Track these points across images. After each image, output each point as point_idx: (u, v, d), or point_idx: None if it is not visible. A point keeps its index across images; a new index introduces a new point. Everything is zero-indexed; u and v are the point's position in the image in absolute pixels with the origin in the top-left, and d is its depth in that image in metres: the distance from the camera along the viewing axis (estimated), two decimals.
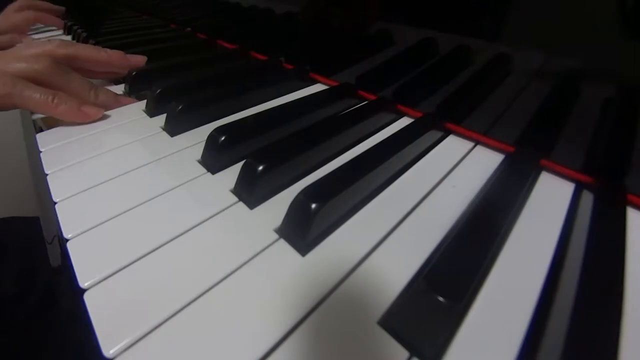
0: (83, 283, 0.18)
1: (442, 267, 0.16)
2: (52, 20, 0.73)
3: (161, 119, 0.33)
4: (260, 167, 0.23)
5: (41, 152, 0.29)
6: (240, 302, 0.17)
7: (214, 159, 0.26)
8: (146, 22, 0.74)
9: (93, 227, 0.21)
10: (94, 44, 0.54)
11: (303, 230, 0.19)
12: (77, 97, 0.33)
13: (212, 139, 0.27)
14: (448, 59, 0.30)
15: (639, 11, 0.19)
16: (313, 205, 0.19)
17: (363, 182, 0.22)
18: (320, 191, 0.20)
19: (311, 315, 0.16)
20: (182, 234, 0.20)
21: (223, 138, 0.26)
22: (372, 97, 0.37)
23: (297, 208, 0.20)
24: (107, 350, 0.15)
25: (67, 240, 0.20)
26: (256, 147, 0.28)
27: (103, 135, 0.31)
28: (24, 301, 0.39)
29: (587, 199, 0.23)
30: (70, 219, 0.21)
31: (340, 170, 0.23)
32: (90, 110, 0.33)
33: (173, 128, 0.31)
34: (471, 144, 0.30)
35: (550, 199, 0.24)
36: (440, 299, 0.15)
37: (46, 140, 0.30)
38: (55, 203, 0.23)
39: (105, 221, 0.21)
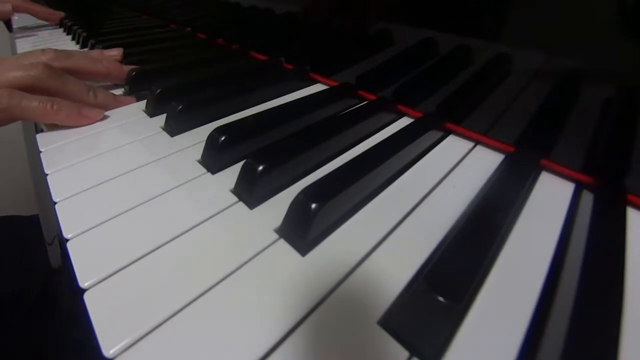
0: (83, 283, 0.18)
1: (442, 267, 0.16)
2: (44, 13, 0.70)
3: (161, 119, 0.33)
4: (260, 167, 0.23)
5: (41, 152, 0.29)
6: (240, 302, 0.17)
7: (214, 159, 0.26)
8: (146, 22, 0.74)
9: (93, 227, 0.21)
10: (94, 44, 0.54)
11: (303, 230, 0.19)
12: (75, 100, 0.33)
13: (212, 139, 0.27)
14: (448, 59, 0.30)
15: (639, 11, 0.19)
16: (313, 205, 0.19)
17: (363, 182, 0.22)
18: (320, 191, 0.20)
19: (311, 315, 0.16)
20: (182, 234, 0.20)
21: (223, 138, 0.26)
22: (372, 97, 0.37)
23: (297, 208, 0.20)
24: (107, 350, 0.15)
25: (67, 240, 0.20)
26: (256, 147, 0.28)
27: (103, 135, 0.31)
28: (24, 301, 0.39)
29: (587, 199, 0.23)
30: (70, 219, 0.21)
31: (340, 170, 0.23)
32: (90, 112, 0.33)
33: (173, 128, 0.31)
34: (471, 144, 0.30)
35: (550, 199, 0.24)
36: (440, 299, 0.15)
37: (46, 140, 0.30)
38: (55, 203, 0.23)
39: (106, 221, 0.21)
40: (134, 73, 0.40)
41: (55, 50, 0.36)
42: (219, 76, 0.41)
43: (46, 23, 0.76)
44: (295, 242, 0.20)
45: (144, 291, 0.17)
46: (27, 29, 0.72)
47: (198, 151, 0.28)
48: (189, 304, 0.17)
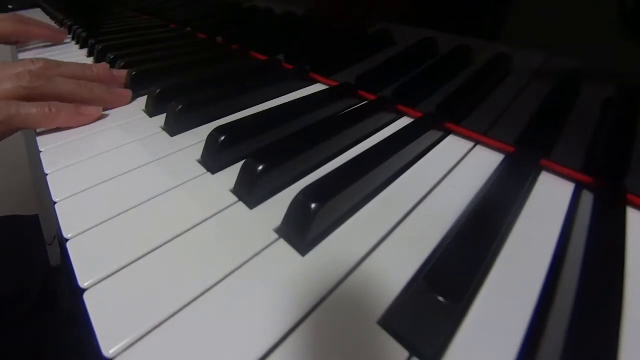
0: (83, 283, 0.18)
1: (442, 267, 0.16)
2: (44, 34, 0.62)
3: (161, 119, 0.33)
4: (260, 167, 0.23)
5: (41, 152, 0.29)
6: (240, 302, 0.17)
7: (213, 158, 0.26)
8: (146, 22, 0.74)
9: (93, 227, 0.21)
10: (94, 44, 0.54)
11: (303, 230, 0.19)
12: (72, 100, 0.32)
13: (212, 138, 0.27)
14: (448, 59, 0.30)
15: (639, 11, 0.19)
16: (313, 205, 0.19)
17: (363, 182, 0.22)
18: (320, 191, 0.20)
19: (311, 315, 0.16)
20: (182, 234, 0.20)
21: (223, 138, 0.26)
22: (372, 97, 0.37)
23: (297, 208, 0.20)
24: (107, 350, 0.15)
25: (67, 240, 0.20)
26: (256, 147, 0.28)
27: (103, 135, 0.31)
28: (23, 301, 0.39)
29: (587, 199, 0.23)
30: (70, 219, 0.21)
31: (340, 170, 0.23)
32: (89, 110, 0.32)
33: (173, 128, 0.31)
34: (471, 144, 0.30)
35: (550, 198, 0.24)
36: (440, 299, 0.15)
37: (46, 141, 0.30)
38: (55, 203, 0.23)
39: (105, 221, 0.21)
40: (134, 73, 0.40)
41: (46, 60, 0.35)
42: (219, 76, 0.41)
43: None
44: (295, 242, 0.20)
45: (144, 291, 0.17)
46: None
47: (198, 151, 0.28)
48: (188, 304, 0.17)
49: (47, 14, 0.99)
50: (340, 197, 0.21)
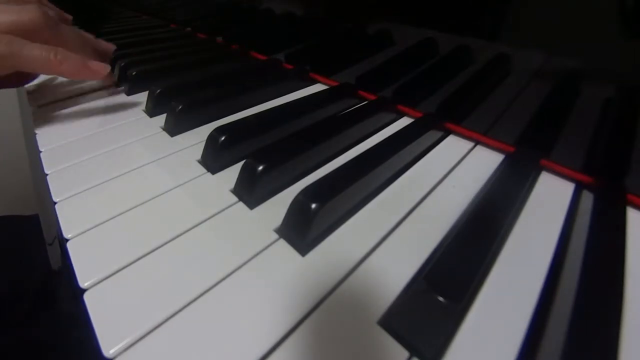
0: (83, 283, 0.18)
1: (442, 267, 0.16)
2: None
3: (161, 119, 0.33)
4: (260, 167, 0.23)
5: (41, 152, 0.29)
6: (240, 302, 0.17)
7: (213, 158, 0.26)
8: (146, 22, 0.74)
9: (93, 227, 0.21)
10: None
11: (303, 230, 0.19)
12: (78, 51, 0.29)
13: (212, 138, 0.27)
14: (448, 59, 0.30)
15: (639, 11, 0.19)
16: (313, 205, 0.19)
17: (363, 182, 0.22)
18: (320, 191, 0.20)
19: (311, 315, 0.16)
20: (182, 234, 0.20)
21: (223, 138, 0.26)
22: (372, 97, 0.37)
23: (297, 208, 0.20)
24: (107, 350, 0.15)
25: (67, 240, 0.20)
26: (256, 147, 0.28)
27: (103, 135, 0.31)
28: (23, 301, 0.39)
29: (587, 199, 0.23)
30: (70, 219, 0.21)
31: (340, 170, 0.23)
32: (97, 65, 0.29)
33: (173, 128, 0.31)
34: (471, 144, 0.30)
35: (550, 199, 0.24)
36: (440, 299, 0.15)
37: (46, 140, 0.30)
38: (55, 203, 0.23)
39: (105, 221, 0.21)
40: (134, 73, 0.40)
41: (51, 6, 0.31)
42: (219, 76, 0.41)
43: None
44: (295, 242, 0.20)
45: (144, 291, 0.17)
46: None
47: (198, 151, 0.28)
48: (188, 304, 0.17)
49: None
50: (340, 197, 0.21)
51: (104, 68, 0.30)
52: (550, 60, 0.24)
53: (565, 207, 0.23)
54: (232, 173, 0.25)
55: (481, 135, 0.29)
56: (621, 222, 0.21)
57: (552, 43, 0.23)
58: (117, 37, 0.58)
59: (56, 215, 0.22)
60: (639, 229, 0.21)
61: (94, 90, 0.41)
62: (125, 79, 0.40)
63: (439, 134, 0.31)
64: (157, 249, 0.19)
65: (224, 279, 0.18)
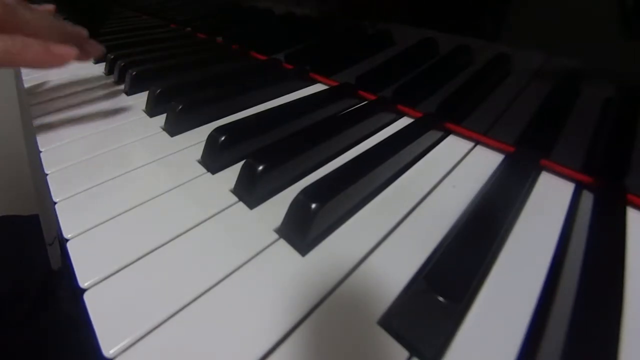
0: (83, 283, 0.18)
1: (442, 267, 0.16)
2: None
3: (161, 119, 0.33)
4: (260, 167, 0.23)
5: (41, 152, 0.29)
6: (240, 302, 0.17)
7: (213, 158, 0.26)
8: (146, 22, 0.74)
9: (93, 227, 0.21)
10: None
11: (303, 230, 0.19)
12: (41, 36, 0.26)
13: (212, 139, 0.27)
14: (448, 59, 0.30)
15: (639, 11, 0.19)
16: (313, 205, 0.19)
17: (363, 182, 0.22)
18: (320, 191, 0.20)
19: (311, 315, 0.16)
20: (182, 234, 0.20)
21: (223, 138, 0.26)
22: (372, 97, 0.37)
23: (297, 208, 0.20)
24: (107, 350, 0.15)
25: (67, 240, 0.20)
26: (256, 147, 0.28)
27: (103, 135, 0.31)
28: (23, 301, 0.39)
29: (587, 199, 0.23)
30: (70, 219, 0.21)
31: (340, 170, 0.23)
32: (61, 49, 0.26)
33: (173, 128, 0.31)
34: (471, 144, 0.30)
35: (550, 199, 0.24)
36: (440, 299, 0.15)
37: (46, 140, 0.30)
38: (55, 203, 0.23)
39: (106, 221, 0.21)
40: (134, 73, 0.40)
41: None
42: (219, 76, 0.41)
43: None
44: (295, 242, 0.20)
45: (144, 291, 0.17)
46: None
47: (198, 151, 0.28)
48: (188, 304, 0.17)
49: None
50: (340, 197, 0.21)
51: (70, 50, 0.27)
52: (550, 60, 0.24)
53: (565, 207, 0.23)
54: (232, 173, 0.25)
55: (481, 135, 0.29)
56: (621, 222, 0.21)
57: (552, 43, 0.23)
58: (117, 37, 0.58)
59: (56, 215, 0.22)
60: (639, 229, 0.21)
61: (93, 88, 0.41)
62: (125, 79, 0.40)
63: (439, 134, 0.31)
64: (157, 249, 0.19)
65: (223, 279, 0.18)
